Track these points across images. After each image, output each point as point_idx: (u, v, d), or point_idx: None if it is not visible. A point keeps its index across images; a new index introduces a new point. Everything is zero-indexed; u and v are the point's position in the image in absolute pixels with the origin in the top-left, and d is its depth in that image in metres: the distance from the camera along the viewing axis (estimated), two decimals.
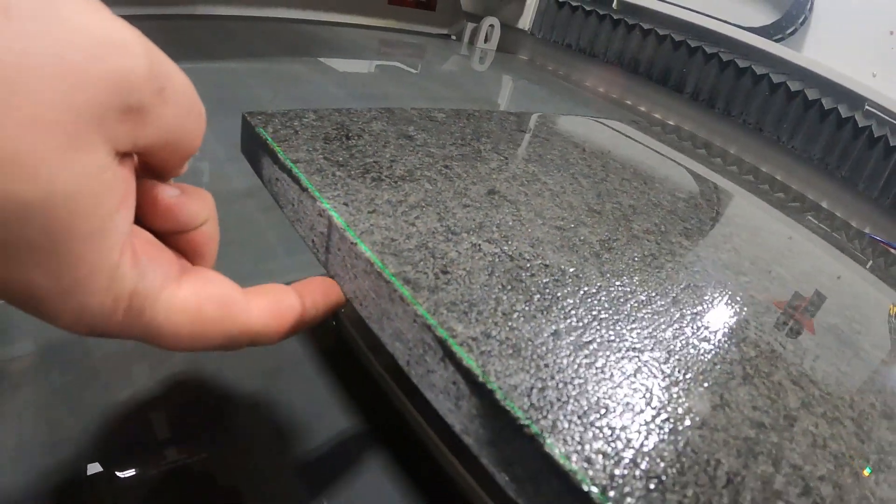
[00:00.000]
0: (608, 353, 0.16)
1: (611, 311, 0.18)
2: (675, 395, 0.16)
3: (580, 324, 0.17)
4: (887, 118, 0.92)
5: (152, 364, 0.26)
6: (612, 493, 0.12)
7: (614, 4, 1.24)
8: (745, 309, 0.23)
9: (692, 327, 0.20)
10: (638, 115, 1.10)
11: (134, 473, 0.21)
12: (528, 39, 1.25)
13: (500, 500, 0.22)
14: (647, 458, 0.13)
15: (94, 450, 0.21)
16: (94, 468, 0.21)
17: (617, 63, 1.10)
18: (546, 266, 0.19)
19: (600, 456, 0.13)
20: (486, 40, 1.24)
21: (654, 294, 0.21)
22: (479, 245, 0.19)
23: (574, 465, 0.12)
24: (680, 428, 0.15)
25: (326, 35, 1.02)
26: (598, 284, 0.19)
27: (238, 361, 0.27)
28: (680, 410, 0.16)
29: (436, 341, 0.15)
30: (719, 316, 0.21)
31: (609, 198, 0.28)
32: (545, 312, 0.17)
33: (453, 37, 1.27)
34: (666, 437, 0.14)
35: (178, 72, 0.12)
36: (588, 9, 1.11)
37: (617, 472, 0.13)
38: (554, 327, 0.16)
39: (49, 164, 0.10)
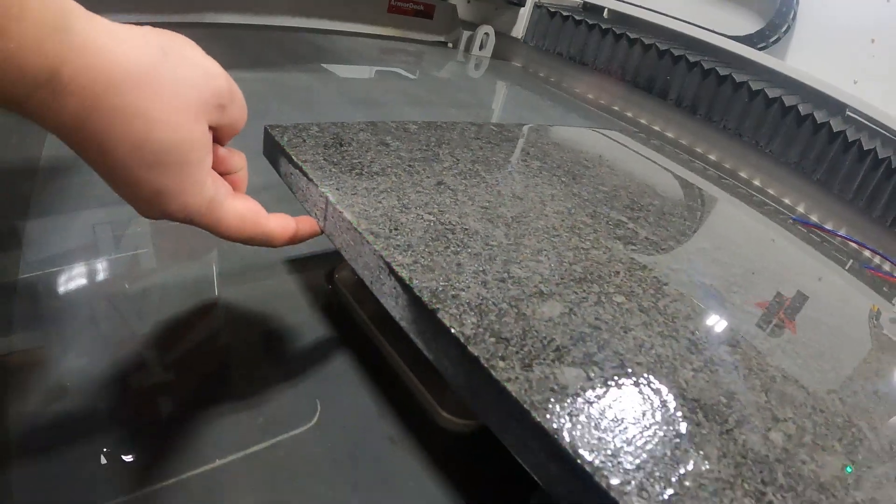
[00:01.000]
0: (495, 275, 0.28)
1: (505, 257, 0.30)
2: (533, 300, 0.27)
3: (479, 260, 0.29)
4: (867, 123, 1.03)
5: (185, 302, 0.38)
6: (472, 340, 0.24)
7: (605, 13, 1.36)
8: (622, 263, 0.34)
9: (567, 269, 0.31)
10: (625, 120, 1.21)
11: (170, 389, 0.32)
12: (521, 47, 1.37)
13: (440, 400, 0.34)
14: (500, 325, 0.25)
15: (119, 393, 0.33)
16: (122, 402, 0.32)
17: (605, 70, 1.22)
18: (465, 229, 0.31)
19: (472, 322, 0.24)
20: (481, 48, 1.36)
21: (543, 249, 0.32)
22: (422, 215, 0.31)
23: (452, 323, 0.24)
24: (529, 316, 0.26)
25: (329, 44, 1.14)
26: (501, 242, 0.31)
27: (255, 309, 0.39)
28: (533, 308, 0.27)
29: (385, 265, 0.26)
30: (594, 266, 0.33)
31: (534, 189, 0.39)
32: (456, 254, 0.28)
33: (450, 44, 1.40)
34: (517, 318, 0.26)
35: (237, 88, 0.26)
36: (578, 18, 1.23)
37: (480, 330, 0.24)
38: (459, 261, 0.28)
39: (186, 126, 0.23)
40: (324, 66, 0.99)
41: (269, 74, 0.85)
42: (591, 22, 1.22)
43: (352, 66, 1.07)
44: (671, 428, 0.23)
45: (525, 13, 1.31)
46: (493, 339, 0.24)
